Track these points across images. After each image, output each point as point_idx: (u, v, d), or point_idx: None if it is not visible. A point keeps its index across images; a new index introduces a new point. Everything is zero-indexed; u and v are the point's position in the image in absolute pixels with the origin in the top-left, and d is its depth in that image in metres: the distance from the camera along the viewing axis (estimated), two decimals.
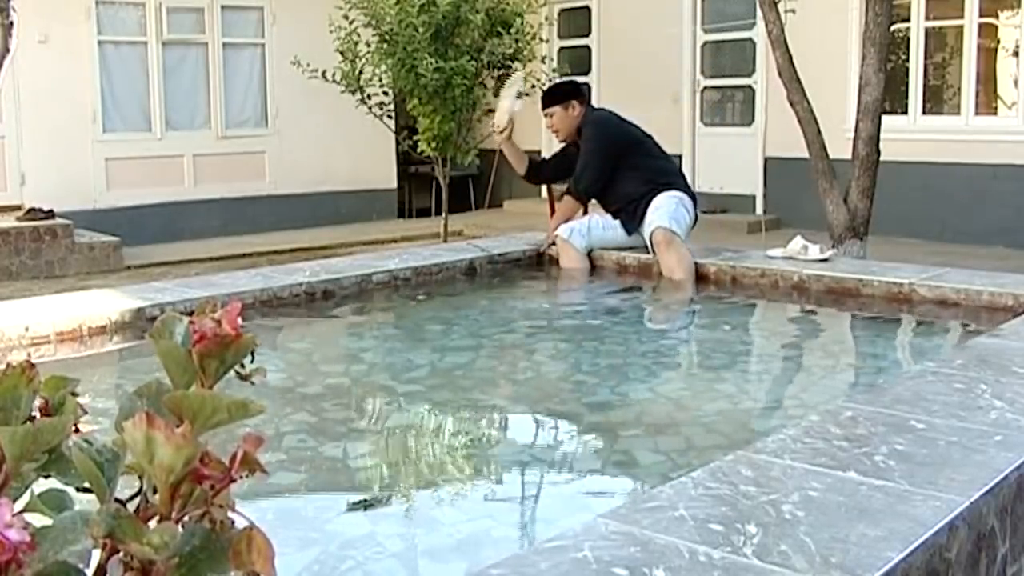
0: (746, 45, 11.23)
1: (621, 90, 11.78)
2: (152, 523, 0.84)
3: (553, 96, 5.36)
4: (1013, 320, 3.44)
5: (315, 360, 3.90)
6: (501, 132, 5.44)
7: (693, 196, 5.18)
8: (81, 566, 0.82)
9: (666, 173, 5.25)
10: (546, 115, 5.33)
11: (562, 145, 5.51)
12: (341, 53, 8.88)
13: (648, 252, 4.99)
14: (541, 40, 10.43)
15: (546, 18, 10.81)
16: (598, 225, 5.15)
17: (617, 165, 5.13)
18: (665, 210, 4.95)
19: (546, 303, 5.13)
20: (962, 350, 3.08)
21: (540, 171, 5.70)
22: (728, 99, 11.82)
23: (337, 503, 2.46)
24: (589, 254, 5.13)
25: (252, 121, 11.75)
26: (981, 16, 9.76)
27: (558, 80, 5.66)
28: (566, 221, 5.21)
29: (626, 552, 1.60)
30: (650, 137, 5.32)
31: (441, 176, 9.40)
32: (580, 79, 12.53)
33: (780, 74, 6.68)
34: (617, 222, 5.15)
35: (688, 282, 4.72)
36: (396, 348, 4.14)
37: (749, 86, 11.28)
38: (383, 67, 8.87)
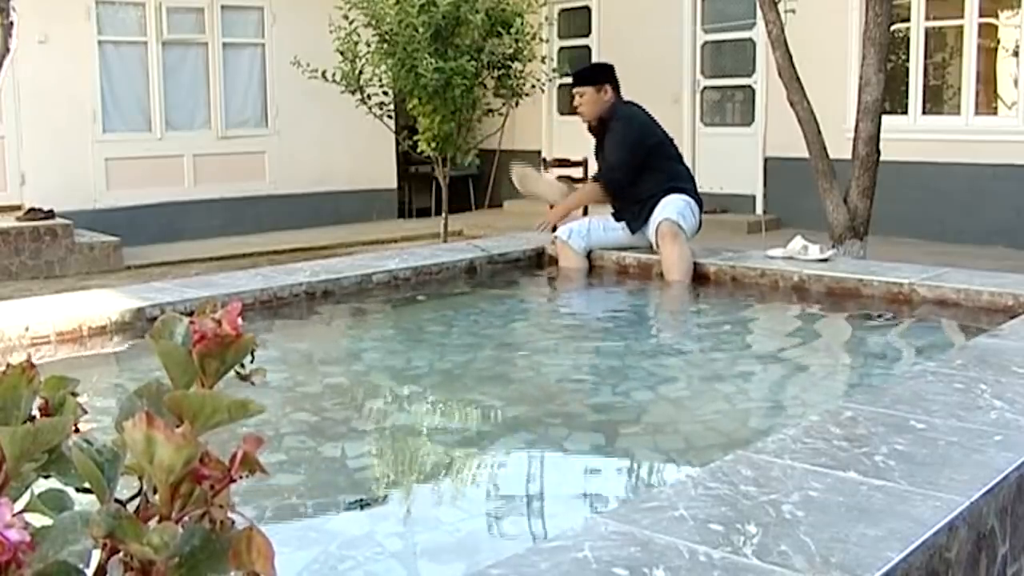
0: (746, 45, 11.22)
1: (621, 90, 11.77)
2: (152, 523, 0.84)
3: (587, 76, 5.34)
4: (1013, 320, 3.44)
5: (315, 360, 3.90)
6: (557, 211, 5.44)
7: (700, 202, 5.16)
8: (81, 566, 0.82)
9: (681, 177, 5.21)
10: (576, 93, 5.29)
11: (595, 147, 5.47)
12: (341, 53, 8.88)
13: (650, 251, 4.99)
14: (541, 40, 10.42)
15: (546, 18, 10.80)
16: (598, 227, 5.15)
17: (644, 164, 5.11)
18: (674, 207, 4.95)
19: (546, 303, 5.13)
20: (962, 350, 3.08)
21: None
22: (728, 99, 11.82)
23: (337, 503, 2.46)
24: (589, 254, 5.13)
25: (252, 121, 11.74)
26: (981, 16, 9.75)
27: (594, 61, 5.64)
28: (568, 214, 5.18)
29: (626, 552, 1.60)
30: (671, 138, 5.33)
31: (441, 176, 9.39)
32: None
33: (780, 74, 6.68)
34: (620, 224, 5.14)
35: (686, 282, 4.72)
36: (396, 348, 4.13)
37: (749, 86, 11.27)
38: (383, 67, 8.86)
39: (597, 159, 5.41)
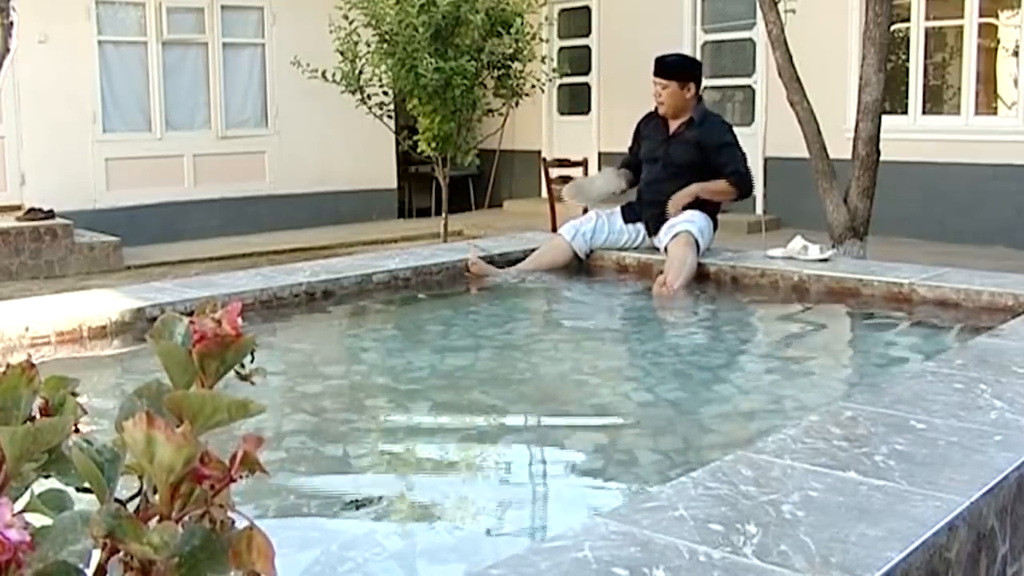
0: (746, 45, 11.22)
1: (621, 90, 11.79)
2: (152, 523, 0.84)
3: (675, 70, 5.09)
4: (1013, 320, 3.44)
5: (315, 360, 3.90)
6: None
7: (716, 227, 5.10)
8: (81, 566, 0.82)
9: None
10: (658, 83, 5.06)
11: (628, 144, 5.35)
12: (341, 53, 8.88)
13: (650, 252, 4.99)
14: (541, 40, 10.43)
15: (546, 18, 10.80)
16: (603, 228, 5.13)
17: (707, 176, 5.02)
18: (698, 224, 4.87)
19: (545, 303, 5.13)
20: (962, 350, 3.08)
21: (636, 176, 5.35)
22: (728, 99, 11.82)
23: (337, 503, 2.46)
24: (590, 254, 5.12)
25: (252, 121, 11.74)
26: (981, 16, 9.75)
27: (682, 53, 5.19)
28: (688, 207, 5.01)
29: (626, 552, 1.60)
30: None
31: (441, 176, 9.40)
32: (581, 79, 12.59)
33: (780, 74, 6.68)
34: (631, 226, 5.13)
35: (682, 287, 4.69)
36: (396, 348, 4.13)
37: (749, 86, 11.27)
38: (383, 67, 8.87)
39: (655, 147, 5.15)
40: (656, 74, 5.09)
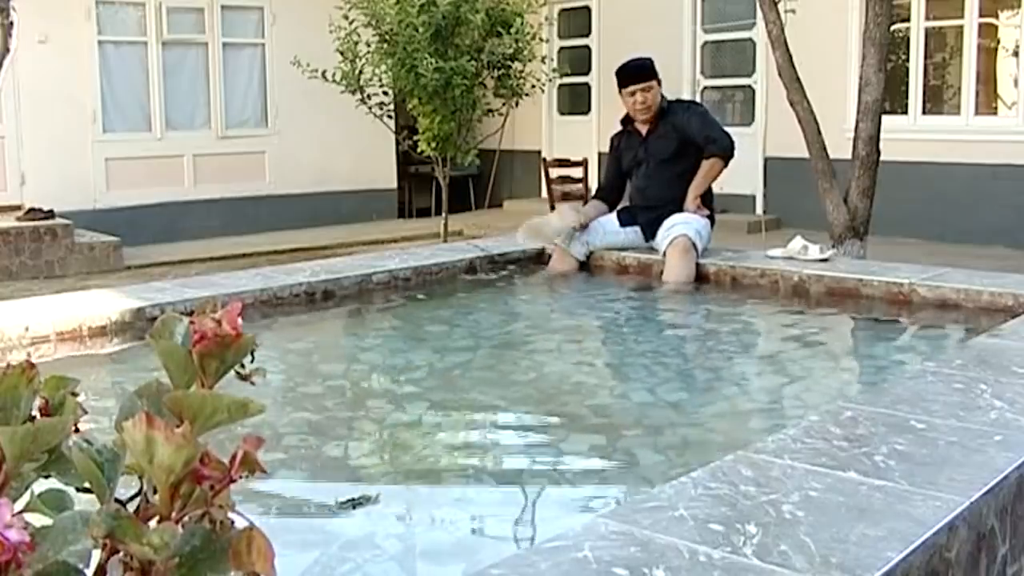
0: (746, 45, 11.23)
1: None
2: (152, 523, 0.84)
3: (651, 71, 5.10)
4: (1013, 320, 3.44)
5: (315, 360, 3.90)
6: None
7: (713, 224, 5.09)
8: (81, 566, 0.82)
9: (711, 193, 5.15)
10: (643, 89, 5.04)
11: (610, 156, 5.37)
12: (341, 53, 8.88)
13: (650, 252, 4.99)
14: (541, 40, 10.43)
15: (546, 18, 10.81)
16: (599, 230, 5.13)
17: (691, 168, 5.02)
18: (695, 225, 4.86)
19: (545, 304, 5.13)
20: (962, 350, 3.08)
21: (619, 195, 5.39)
22: (728, 99, 11.82)
23: (336, 503, 2.45)
24: (589, 255, 5.12)
25: (252, 121, 11.74)
26: (981, 16, 9.76)
27: (639, 56, 5.24)
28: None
29: (626, 552, 1.60)
30: None
31: (441, 176, 9.40)
32: (580, 79, 12.59)
33: (780, 74, 6.68)
34: (627, 228, 5.12)
35: (682, 288, 4.69)
36: (396, 348, 4.13)
37: (749, 86, 11.27)
38: (383, 67, 8.87)
39: (635, 153, 5.17)
40: (635, 81, 5.09)
